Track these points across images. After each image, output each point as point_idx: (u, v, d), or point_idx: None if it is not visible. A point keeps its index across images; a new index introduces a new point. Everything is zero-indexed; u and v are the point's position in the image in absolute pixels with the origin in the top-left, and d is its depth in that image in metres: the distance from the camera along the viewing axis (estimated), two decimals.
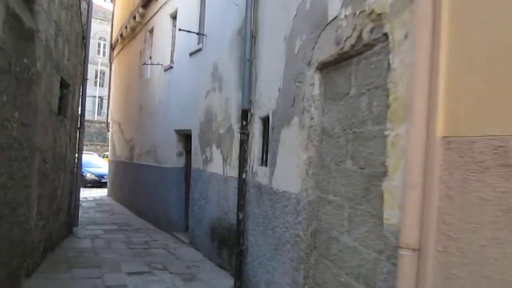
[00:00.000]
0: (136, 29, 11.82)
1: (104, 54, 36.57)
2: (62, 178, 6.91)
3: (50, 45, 5.47)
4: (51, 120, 5.80)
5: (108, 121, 15.69)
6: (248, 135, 5.17)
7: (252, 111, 5.09)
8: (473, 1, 1.82)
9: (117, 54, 14.27)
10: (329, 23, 3.12)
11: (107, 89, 17.36)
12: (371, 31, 2.55)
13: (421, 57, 1.94)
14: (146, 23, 10.99)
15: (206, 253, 6.66)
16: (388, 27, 2.36)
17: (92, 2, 8.66)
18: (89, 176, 17.77)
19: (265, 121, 4.77)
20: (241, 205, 5.18)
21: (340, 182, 2.95)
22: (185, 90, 8.02)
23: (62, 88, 6.53)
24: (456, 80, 1.85)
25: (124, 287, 5.05)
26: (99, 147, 28.72)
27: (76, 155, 8.23)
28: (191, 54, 7.81)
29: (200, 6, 7.67)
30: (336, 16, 2.98)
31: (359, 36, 2.67)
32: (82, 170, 17.14)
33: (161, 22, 9.88)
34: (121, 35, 13.05)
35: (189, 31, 7.46)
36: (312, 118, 3.36)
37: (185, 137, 8.26)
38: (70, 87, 7.02)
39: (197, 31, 7.53)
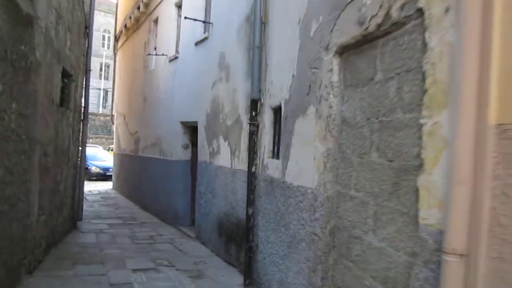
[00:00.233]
0: (140, 19, 11.60)
1: (108, 47, 36.33)
2: (65, 172, 6.71)
3: (51, 33, 5.23)
4: (52, 112, 5.57)
5: (113, 113, 15.51)
6: (257, 126, 4.93)
7: (262, 101, 4.84)
8: None
9: (121, 45, 14.06)
10: (350, 2, 2.84)
11: (111, 82, 17.16)
12: (402, 7, 2.28)
13: (469, 33, 1.67)
14: (150, 13, 10.77)
15: (213, 248, 6.46)
16: (424, 1, 2.09)
17: None
18: (94, 169, 17.69)
19: (277, 111, 4.52)
20: (250, 200, 4.96)
21: (363, 176, 2.69)
22: (191, 80, 7.80)
23: (64, 79, 6.29)
24: None
25: (129, 285, 4.84)
26: (104, 140, 28.60)
27: (80, 148, 8.02)
28: (196, 44, 7.58)
29: None
30: None
31: (387, 14, 2.40)
32: (87, 163, 17.24)
33: (165, 11, 9.63)
34: (125, 26, 12.83)
35: (195, 20, 7.21)
36: (330, 107, 3.09)
37: (191, 129, 8.07)
38: (73, 78, 6.78)
39: (203, 19, 7.28)
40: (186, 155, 8.31)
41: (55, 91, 5.67)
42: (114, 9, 16.39)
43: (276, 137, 4.54)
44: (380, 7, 2.45)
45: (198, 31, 7.49)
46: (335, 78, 3.07)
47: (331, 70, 3.10)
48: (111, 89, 17.79)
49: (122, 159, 13.25)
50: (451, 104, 1.82)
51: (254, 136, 4.96)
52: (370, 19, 2.56)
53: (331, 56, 3.11)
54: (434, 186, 1.94)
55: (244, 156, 5.38)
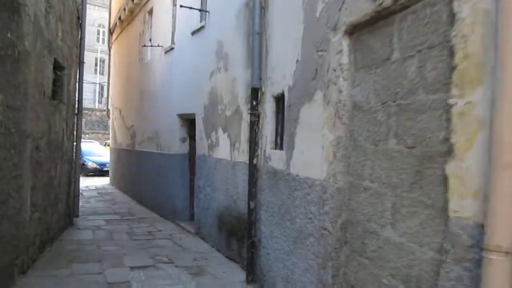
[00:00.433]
0: (134, 10, 11.35)
1: (103, 42, 35.89)
2: (60, 167, 6.48)
3: (40, 22, 4.97)
4: (44, 105, 5.33)
5: (109, 107, 15.27)
6: (258, 116, 4.71)
7: (263, 89, 4.62)
8: None
9: (116, 38, 13.81)
10: None
11: (107, 76, 16.90)
12: None
13: None
14: (145, 4, 10.52)
15: (213, 243, 6.27)
16: None
17: None
18: (90, 164, 17.48)
19: (279, 99, 4.29)
20: (252, 193, 4.75)
21: (379, 165, 2.47)
22: (188, 72, 7.59)
23: (56, 71, 6.04)
24: None
25: (127, 284, 4.64)
26: (100, 135, 28.31)
27: (75, 143, 7.78)
28: (193, 33, 7.35)
29: None
30: None
31: None
32: (84, 158, 17.03)
33: (160, 1, 9.36)
34: (119, 18, 12.57)
35: (190, 8, 6.97)
36: (340, 92, 2.87)
37: (189, 121, 7.86)
38: (65, 70, 6.53)
39: (199, 7, 7.03)
40: (183, 148, 8.12)
41: (46, 83, 5.43)
42: (108, 3, 16.08)
43: (279, 127, 4.33)
44: None
45: (194, 20, 7.26)
46: (344, 60, 2.85)
47: (340, 51, 2.87)
48: (106, 83, 17.54)
49: (119, 154, 13.06)
50: (488, 80, 1.61)
51: (255, 127, 4.75)
52: None
53: (340, 36, 2.88)
54: (467, 174, 1.73)
55: (244, 147, 5.19)
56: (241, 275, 4.99)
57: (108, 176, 15.08)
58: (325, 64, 3.07)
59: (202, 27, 6.96)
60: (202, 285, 4.73)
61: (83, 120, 25.80)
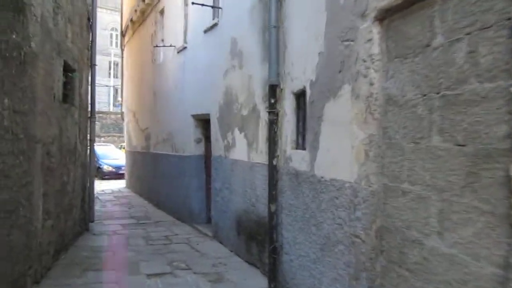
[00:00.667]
0: (146, 11, 11.23)
1: (116, 45, 36.05)
2: (73, 172, 6.33)
3: (48, 23, 4.80)
4: (55, 108, 5.16)
5: (123, 110, 15.21)
6: (277, 114, 4.46)
7: (281, 86, 4.37)
8: None
9: (128, 40, 13.74)
10: None
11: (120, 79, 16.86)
12: None
13: None
14: (156, 4, 10.38)
15: (232, 248, 6.05)
16: None
17: None
18: (106, 168, 17.47)
19: (299, 96, 4.03)
20: (272, 196, 4.50)
21: (420, 165, 2.19)
22: (201, 71, 7.39)
23: (66, 73, 5.88)
24: None
25: None
26: (116, 138, 28.40)
27: (88, 146, 7.64)
28: (205, 31, 7.14)
29: None
30: None
31: None
32: (99, 162, 17.03)
33: (171, 0, 9.17)
34: (131, 19, 12.49)
35: (202, 5, 6.76)
36: (371, 84, 2.59)
37: (203, 122, 7.66)
38: (76, 72, 6.37)
39: (211, 4, 6.82)
40: (199, 149, 7.93)
41: (56, 86, 5.26)
42: (120, 6, 16.01)
43: (300, 125, 4.06)
44: None
45: (206, 17, 7.05)
46: (375, 49, 2.57)
47: (370, 40, 2.59)
48: (120, 87, 17.50)
49: (134, 156, 12.98)
50: None
51: (273, 126, 4.50)
52: None
53: (369, 23, 2.60)
54: None
55: (263, 148, 4.95)
56: (263, 282, 4.75)
57: (124, 179, 15.02)
58: (352, 55, 2.80)
59: (215, 25, 6.75)
60: None
61: (98, 123, 25.94)
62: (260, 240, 5.08)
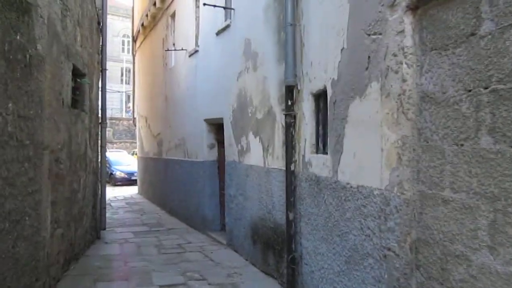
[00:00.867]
0: (157, 16, 11.15)
1: (128, 52, 36.30)
2: (83, 179, 6.16)
3: (56, 26, 4.64)
4: (63, 114, 4.99)
5: (135, 116, 15.13)
6: (295, 117, 4.23)
7: (299, 86, 4.13)
8: None
9: (140, 45, 13.69)
10: None
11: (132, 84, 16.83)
12: None
13: None
14: (167, 8, 10.26)
15: (247, 256, 5.81)
16: None
17: None
18: (118, 174, 17.45)
19: (319, 97, 3.79)
20: (290, 203, 4.26)
21: (465, 170, 1.93)
22: (213, 74, 7.20)
23: (76, 78, 5.73)
24: None
25: None
26: (128, 145, 28.44)
27: (99, 152, 7.48)
28: (218, 33, 6.96)
29: None
30: None
31: None
32: (112, 168, 16.98)
33: (183, 3, 9.04)
34: (142, 24, 12.43)
35: (214, 6, 6.58)
36: (404, 81, 2.33)
37: (216, 126, 7.46)
38: (86, 77, 6.21)
39: (223, 5, 6.63)
40: (212, 155, 7.73)
41: (65, 91, 5.10)
42: (131, 13, 16.00)
43: (320, 128, 3.82)
44: None
45: (218, 19, 6.88)
46: (408, 42, 2.32)
47: (402, 32, 2.34)
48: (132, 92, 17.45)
49: (146, 162, 12.86)
50: None
51: (291, 129, 4.27)
52: None
53: (401, 13, 2.35)
54: None
55: (279, 153, 4.71)
56: None
57: (136, 185, 14.92)
58: (381, 49, 2.55)
59: (227, 26, 6.57)
60: None
61: (111, 129, 25.97)
62: (277, 249, 4.83)
